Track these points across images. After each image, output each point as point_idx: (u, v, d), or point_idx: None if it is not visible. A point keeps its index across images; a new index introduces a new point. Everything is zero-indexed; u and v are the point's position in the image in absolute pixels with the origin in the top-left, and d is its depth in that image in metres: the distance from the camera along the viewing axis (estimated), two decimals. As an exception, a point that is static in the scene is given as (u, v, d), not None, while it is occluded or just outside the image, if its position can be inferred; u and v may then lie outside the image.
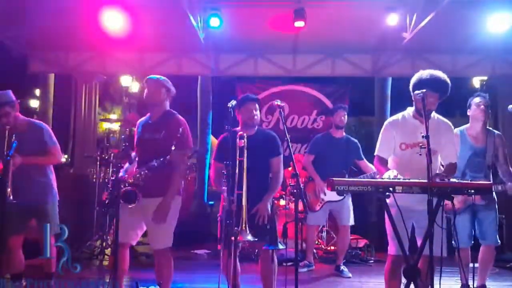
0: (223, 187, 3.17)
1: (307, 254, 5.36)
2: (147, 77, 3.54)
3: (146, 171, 3.20)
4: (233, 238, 3.03)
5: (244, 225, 3.04)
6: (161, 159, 3.15)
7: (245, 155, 3.21)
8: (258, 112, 3.61)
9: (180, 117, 3.49)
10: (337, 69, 7.32)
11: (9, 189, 3.44)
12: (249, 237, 3.04)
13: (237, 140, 3.27)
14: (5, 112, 3.62)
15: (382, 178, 2.99)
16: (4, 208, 3.41)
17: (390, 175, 2.98)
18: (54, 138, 3.88)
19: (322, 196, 5.16)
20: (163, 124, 3.41)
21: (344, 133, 5.33)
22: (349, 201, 5.23)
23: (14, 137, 3.51)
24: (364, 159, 5.29)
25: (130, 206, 3.21)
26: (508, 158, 4.08)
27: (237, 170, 3.17)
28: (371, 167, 5.15)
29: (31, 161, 3.69)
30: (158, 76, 3.51)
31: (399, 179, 2.87)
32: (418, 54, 6.93)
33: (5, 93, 3.72)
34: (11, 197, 3.45)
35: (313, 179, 5.25)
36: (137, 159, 3.40)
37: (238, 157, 3.21)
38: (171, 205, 3.33)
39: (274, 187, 3.61)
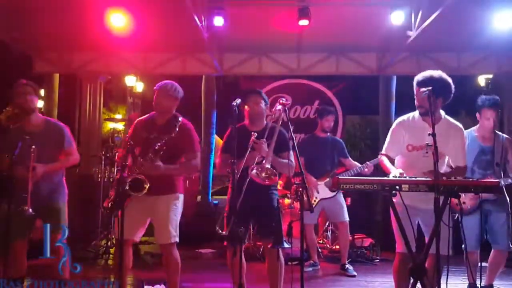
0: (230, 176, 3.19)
1: (310, 254, 5.37)
2: (157, 84, 3.59)
3: (151, 156, 3.27)
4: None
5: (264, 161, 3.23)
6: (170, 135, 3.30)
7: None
8: (263, 104, 3.64)
9: (187, 122, 3.57)
10: (341, 67, 7.30)
11: (28, 203, 3.35)
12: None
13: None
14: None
15: (388, 177, 2.98)
16: (11, 215, 3.33)
17: (396, 174, 2.97)
18: (71, 137, 3.83)
19: (315, 194, 5.24)
20: (173, 127, 3.42)
21: (328, 133, 5.46)
22: (340, 197, 5.34)
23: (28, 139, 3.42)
24: (349, 158, 5.44)
25: (138, 195, 3.20)
26: None
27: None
28: (356, 164, 5.30)
29: (53, 169, 3.64)
30: (166, 86, 3.57)
31: (405, 177, 2.86)
32: (423, 52, 6.90)
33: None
34: (30, 210, 3.37)
35: (306, 178, 5.30)
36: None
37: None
38: (161, 170, 3.33)
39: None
